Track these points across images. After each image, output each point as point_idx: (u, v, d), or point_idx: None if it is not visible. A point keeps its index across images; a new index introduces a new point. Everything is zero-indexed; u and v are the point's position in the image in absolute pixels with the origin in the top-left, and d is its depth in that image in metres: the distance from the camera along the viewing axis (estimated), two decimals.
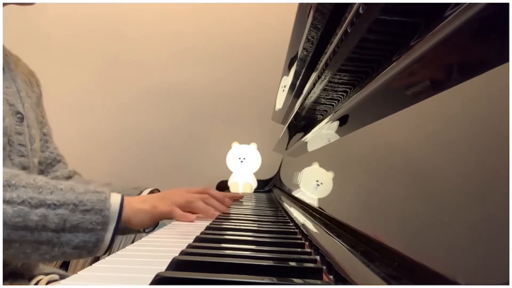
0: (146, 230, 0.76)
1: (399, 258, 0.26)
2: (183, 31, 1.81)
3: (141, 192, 0.84)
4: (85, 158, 1.53)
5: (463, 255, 0.20)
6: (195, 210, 0.71)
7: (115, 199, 0.61)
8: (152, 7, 1.80)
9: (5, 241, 0.53)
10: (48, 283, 0.74)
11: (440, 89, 0.27)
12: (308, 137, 0.85)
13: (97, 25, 1.80)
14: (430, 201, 0.25)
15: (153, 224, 0.69)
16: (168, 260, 0.35)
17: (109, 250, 0.59)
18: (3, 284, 0.67)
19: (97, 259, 0.52)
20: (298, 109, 0.84)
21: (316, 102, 0.73)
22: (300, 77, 0.95)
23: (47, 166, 0.88)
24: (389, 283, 0.25)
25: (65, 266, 1.41)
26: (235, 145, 1.52)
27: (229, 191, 1.44)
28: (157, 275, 0.30)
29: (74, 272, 0.36)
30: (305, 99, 0.75)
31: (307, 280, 0.30)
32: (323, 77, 0.58)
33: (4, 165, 0.69)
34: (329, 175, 0.58)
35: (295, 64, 0.94)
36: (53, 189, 0.57)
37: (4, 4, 0.78)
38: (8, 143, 0.71)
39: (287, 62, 1.04)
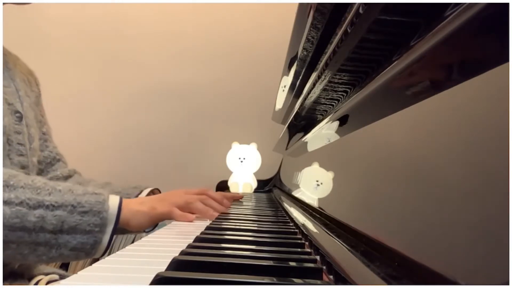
0: (146, 230, 0.76)
1: (399, 258, 0.26)
2: (183, 31, 1.81)
3: (141, 192, 0.84)
4: (85, 158, 1.53)
5: (463, 255, 0.20)
6: (194, 211, 0.71)
7: (113, 201, 0.60)
8: (152, 7, 1.80)
9: (2, 241, 0.53)
10: (48, 283, 0.74)
11: (440, 89, 0.27)
12: (308, 137, 0.85)
13: (97, 25, 1.80)
14: (430, 201, 0.25)
15: (151, 225, 0.69)
16: (168, 260, 0.35)
17: (106, 252, 0.59)
18: (3, 284, 0.67)
19: (97, 259, 0.52)
20: (298, 109, 0.84)
21: (316, 102, 0.73)
22: (300, 77, 0.95)
23: (47, 165, 0.88)
24: (389, 283, 0.25)
25: (65, 266, 1.41)
26: (235, 145, 1.52)
27: (229, 191, 1.44)
28: (157, 275, 0.30)
29: (74, 272, 0.36)
30: (305, 99, 0.75)
31: (307, 280, 0.30)
32: (323, 77, 0.58)
33: (3, 164, 0.69)
34: (329, 175, 0.58)
35: (295, 64, 0.94)
36: (52, 190, 0.57)
37: (3, 3, 0.78)
38: (7, 142, 0.71)
39: (287, 62, 1.04)
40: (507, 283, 0.16)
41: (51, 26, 1.80)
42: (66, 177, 0.90)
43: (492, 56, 0.23)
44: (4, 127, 0.71)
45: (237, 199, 1.01)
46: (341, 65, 0.50)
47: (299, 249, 0.44)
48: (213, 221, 0.66)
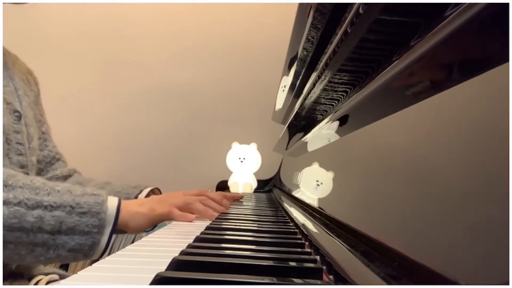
0: (146, 230, 0.76)
1: (399, 258, 0.26)
2: (183, 31, 1.81)
3: (141, 191, 0.84)
4: (85, 158, 1.52)
5: (463, 255, 0.20)
6: (194, 211, 0.71)
7: (112, 202, 0.60)
8: (152, 7, 1.80)
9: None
10: (48, 283, 0.74)
11: (440, 89, 0.27)
12: (308, 137, 0.85)
13: (97, 25, 1.80)
14: (430, 201, 0.25)
15: (150, 226, 0.69)
16: (168, 260, 0.35)
17: (105, 253, 0.58)
18: (3, 284, 0.67)
19: (96, 259, 0.52)
20: (298, 109, 0.84)
21: (316, 102, 0.73)
22: (300, 77, 0.95)
23: (47, 164, 0.88)
24: (389, 283, 0.25)
25: (65, 266, 1.41)
26: (235, 145, 1.52)
27: (229, 191, 1.44)
28: (157, 275, 0.30)
29: (74, 272, 0.36)
30: (305, 99, 0.75)
31: (307, 280, 0.30)
32: (323, 77, 0.58)
33: (2, 164, 0.69)
34: (329, 175, 0.58)
35: (295, 64, 0.94)
36: (50, 191, 0.57)
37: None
38: (6, 141, 0.71)
39: (287, 62, 1.04)
40: (507, 283, 0.16)
41: (51, 26, 1.80)
42: (66, 177, 0.90)
43: (492, 56, 0.23)
44: (3, 126, 0.70)
45: (237, 199, 1.01)
46: (341, 65, 0.50)
47: (299, 249, 0.44)
48: (213, 221, 0.66)
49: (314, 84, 0.64)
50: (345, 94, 0.59)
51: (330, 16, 0.69)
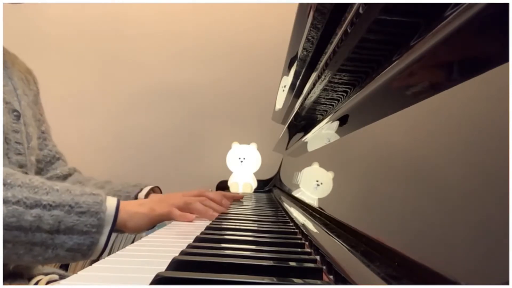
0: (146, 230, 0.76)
1: (399, 258, 0.26)
2: (183, 31, 1.81)
3: (141, 190, 0.84)
4: (85, 158, 1.53)
5: (463, 255, 0.20)
6: (194, 211, 0.71)
7: (111, 202, 0.60)
8: (152, 7, 1.80)
9: None
10: (48, 283, 0.74)
11: (440, 89, 0.27)
12: (308, 137, 0.85)
13: (97, 25, 1.80)
14: (430, 201, 0.25)
15: (150, 227, 0.69)
16: (168, 260, 0.35)
17: (103, 253, 0.58)
18: (3, 284, 0.67)
19: (97, 259, 0.52)
20: (298, 109, 0.84)
21: (316, 102, 0.73)
22: (300, 77, 0.95)
23: (46, 164, 0.88)
24: (389, 283, 0.25)
25: (65, 266, 1.41)
26: (235, 145, 1.52)
27: (229, 191, 1.44)
28: (157, 275, 0.30)
29: (74, 272, 0.36)
30: (305, 99, 0.75)
31: (307, 280, 0.30)
32: (323, 77, 0.58)
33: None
34: (329, 175, 0.58)
35: (295, 64, 0.94)
36: (49, 190, 0.56)
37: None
38: (5, 141, 0.71)
39: (287, 62, 1.04)
40: (507, 283, 0.16)
41: (51, 26, 1.80)
42: (66, 176, 0.90)
43: (492, 56, 0.23)
44: (2, 125, 0.70)
45: (237, 199, 1.01)
46: (341, 65, 0.50)
47: (299, 249, 0.44)
48: (213, 221, 0.66)
49: (314, 84, 0.64)
50: (345, 94, 0.59)
51: (330, 16, 0.69)
